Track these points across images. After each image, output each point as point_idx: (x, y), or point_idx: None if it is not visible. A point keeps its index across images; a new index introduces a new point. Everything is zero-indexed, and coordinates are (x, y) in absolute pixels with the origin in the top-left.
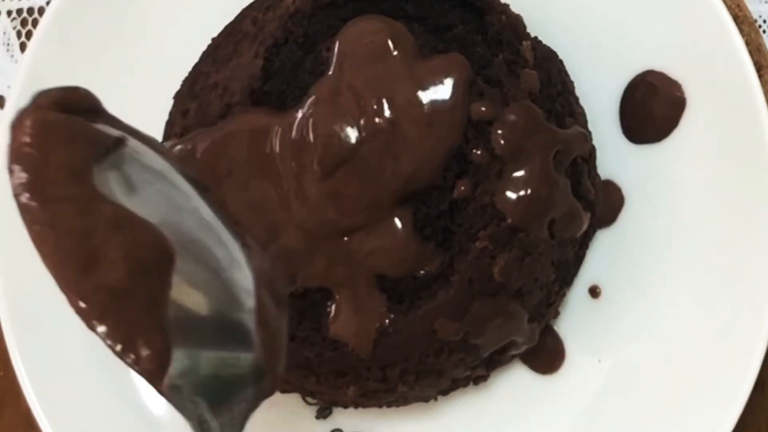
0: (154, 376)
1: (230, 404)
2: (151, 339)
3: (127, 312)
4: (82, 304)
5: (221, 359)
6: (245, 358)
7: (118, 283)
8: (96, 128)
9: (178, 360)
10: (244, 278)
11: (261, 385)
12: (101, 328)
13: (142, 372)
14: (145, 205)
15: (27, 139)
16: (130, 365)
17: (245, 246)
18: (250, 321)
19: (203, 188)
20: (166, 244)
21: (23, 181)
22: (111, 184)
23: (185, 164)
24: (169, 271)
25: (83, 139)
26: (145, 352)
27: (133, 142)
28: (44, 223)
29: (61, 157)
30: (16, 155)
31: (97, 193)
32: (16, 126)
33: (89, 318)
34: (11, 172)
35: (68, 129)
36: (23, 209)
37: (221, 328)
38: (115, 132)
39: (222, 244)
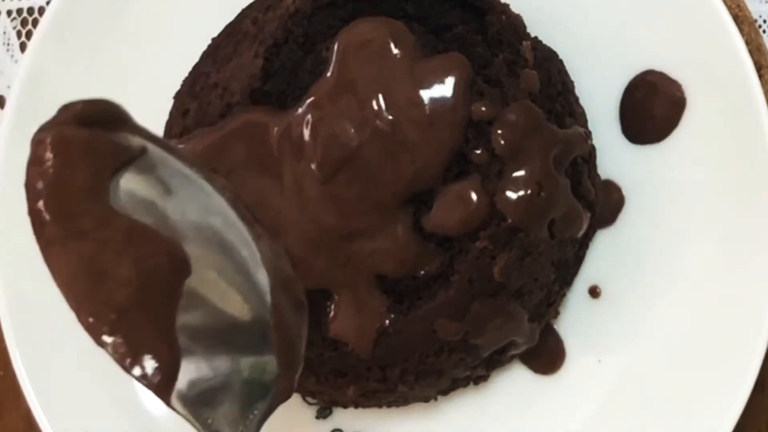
0: (161, 390)
1: (246, 411)
2: (159, 355)
3: (134, 328)
4: (90, 320)
5: (256, 364)
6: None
7: (126, 299)
8: (116, 140)
9: (202, 368)
10: (265, 279)
11: (277, 390)
12: (108, 344)
13: (149, 386)
14: (181, 206)
15: (45, 156)
16: (138, 379)
17: (262, 247)
18: None
19: (225, 190)
20: (180, 257)
21: (38, 197)
22: (142, 190)
23: (206, 166)
24: (180, 284)
25: (101, 154)
26: (151, 368)
27: (156, 150)
28: (56, 239)
29: (78, 173)
30: (33, 172)
31: (111, 208)
32: (36, 142)
33: (97, 334)
34: (28, 188)
35: (86, 144)
36: (36, 224)
37: (260, 332)
38: (138, 141)
39: (247, 243)
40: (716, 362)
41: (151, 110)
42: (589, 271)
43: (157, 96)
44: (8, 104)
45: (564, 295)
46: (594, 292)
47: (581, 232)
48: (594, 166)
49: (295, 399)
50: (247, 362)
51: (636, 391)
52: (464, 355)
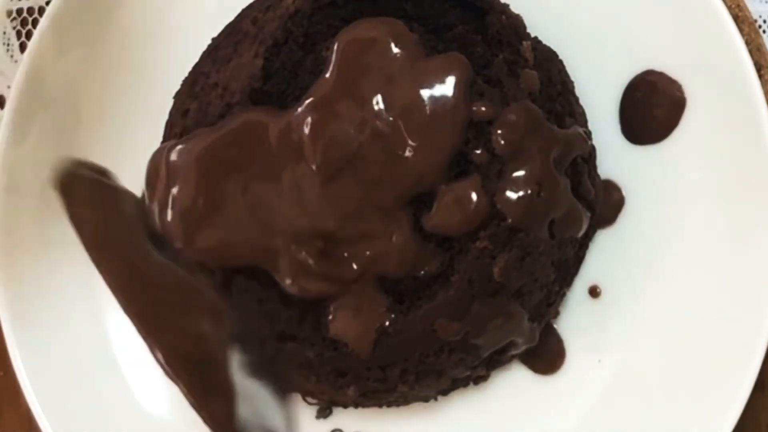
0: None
1: None
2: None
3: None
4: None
5: None
6: None
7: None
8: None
9: None
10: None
11: None
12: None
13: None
14: None
15: (77, 193)
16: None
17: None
18: None
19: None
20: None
21: (87, 229)
22: None
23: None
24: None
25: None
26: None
27: None
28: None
29: (116, 210)
30: (73, 210)
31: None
32: (64, 182)
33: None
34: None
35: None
36: (95, 261)
37: None
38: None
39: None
40: (716, 362)
41: (151, 110)
42: (589, 271)
43: (157, 96)
44: (8, 104)
45: (564, 295)
46: (594, 292)
47: (581, 232)
48: (594, 166)
49: (296, 399)
50: None
51: (636, 391)
52: (464, 355)
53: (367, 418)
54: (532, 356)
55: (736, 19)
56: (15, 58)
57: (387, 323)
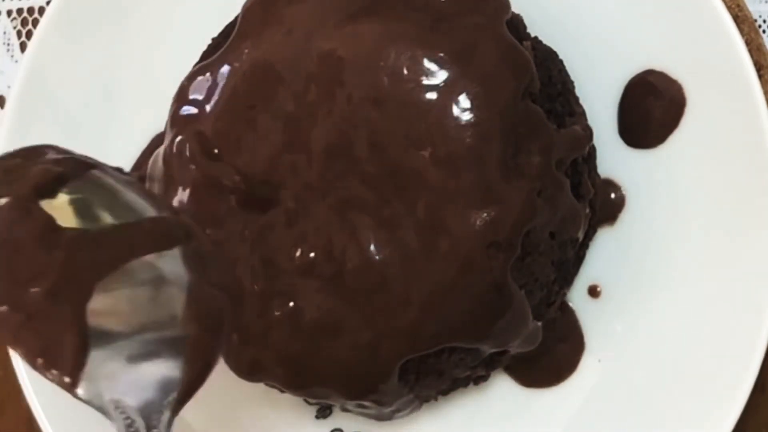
0: (67, 380)
1: (159, 405)
2: (66, 346)
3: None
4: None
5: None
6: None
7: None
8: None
9: (102, 364)
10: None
11: (182, 387)
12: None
13: (53, 378)
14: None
15: None
16: (44, 371)
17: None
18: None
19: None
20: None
21: None
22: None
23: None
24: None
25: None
26: (59, 359)
27: (95, 171)
28: None
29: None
30: None
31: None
32: None
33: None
34: None
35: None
36: None
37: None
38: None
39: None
40: (716, 362)
41: (150, 110)
42: (589, 271)
43: (157, 96)
44: (8, 104)
45: (564, 294)
46: (594, 292)
47: (581, 232)
48: (594, 166)
49: (296, 399)
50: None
51: (635, 391)
52: (464, 355)
53: (367, 418)
54: (540, 369)
55: (736, 19)
56: (15, 58)
57: None
